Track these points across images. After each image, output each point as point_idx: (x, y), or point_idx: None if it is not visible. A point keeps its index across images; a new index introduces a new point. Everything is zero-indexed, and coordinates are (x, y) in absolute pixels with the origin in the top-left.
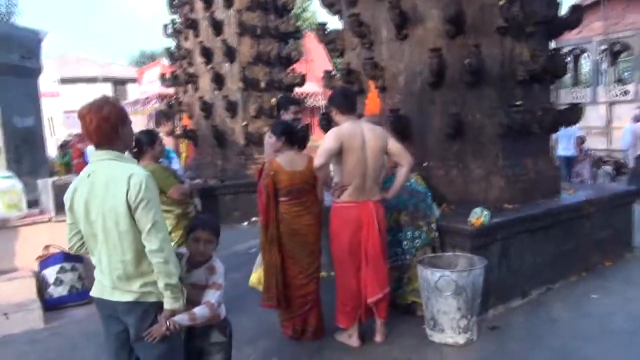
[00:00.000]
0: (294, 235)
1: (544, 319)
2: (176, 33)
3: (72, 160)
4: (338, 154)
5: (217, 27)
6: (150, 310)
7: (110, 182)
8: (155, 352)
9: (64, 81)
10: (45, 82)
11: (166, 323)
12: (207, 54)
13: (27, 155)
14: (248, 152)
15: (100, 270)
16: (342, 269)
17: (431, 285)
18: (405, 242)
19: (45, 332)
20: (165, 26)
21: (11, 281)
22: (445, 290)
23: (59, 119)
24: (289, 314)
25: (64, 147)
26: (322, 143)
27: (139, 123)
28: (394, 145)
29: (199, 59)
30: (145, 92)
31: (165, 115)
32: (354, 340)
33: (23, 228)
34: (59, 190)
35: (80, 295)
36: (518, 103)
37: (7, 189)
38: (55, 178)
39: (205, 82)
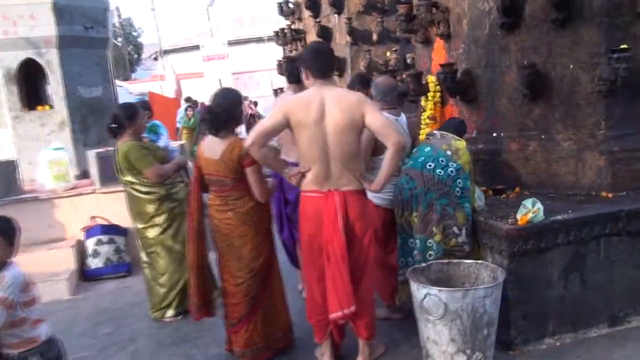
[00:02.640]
0: (218, 232)
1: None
2: None
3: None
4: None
5: None
6: None
7: None
8: None
9: (231, 43)
10: (216, 45)
11: None
12: (313, 6)
13: (96, 126)
14: None
15: None
16: (305, 274)
17: (417, 305)
18: (415, 252)
19: (63, 305)
20: None
21: (50, 251)
22: (432, 313)
23: (229, 81)
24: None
25: (189, 109)
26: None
27: None
28: (373, 118)
29: (306, 13)
30: None
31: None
32: None
33: (70, 199)
34: (104, 162)
35: (115, 268)
36: (623, 47)
37: (55, 160)
38: (101, 149)
39: (312, 38)
